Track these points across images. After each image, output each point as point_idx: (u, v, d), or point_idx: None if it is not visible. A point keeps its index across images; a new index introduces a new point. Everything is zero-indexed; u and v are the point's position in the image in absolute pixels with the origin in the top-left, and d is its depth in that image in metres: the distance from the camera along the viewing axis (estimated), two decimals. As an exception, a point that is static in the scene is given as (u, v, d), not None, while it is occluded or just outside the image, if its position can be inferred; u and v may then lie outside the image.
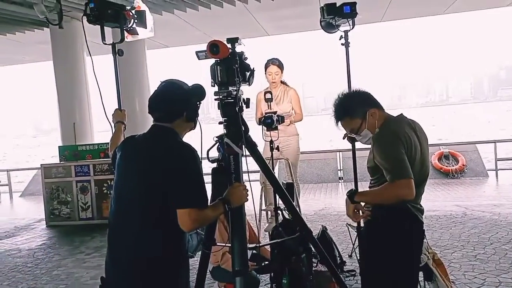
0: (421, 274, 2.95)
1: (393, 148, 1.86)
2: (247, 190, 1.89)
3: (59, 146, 6.63)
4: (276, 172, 6.79)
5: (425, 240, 3.13)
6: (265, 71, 4.55)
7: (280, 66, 4.52)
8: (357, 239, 3.35)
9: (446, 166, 8.07)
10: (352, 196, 1.95)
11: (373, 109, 2.01)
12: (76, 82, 7.57)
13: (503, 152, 11.72)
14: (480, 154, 8.42)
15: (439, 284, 3.01)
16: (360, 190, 2.06)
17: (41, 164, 6.61)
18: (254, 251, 3.12)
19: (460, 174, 7.96)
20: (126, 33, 2.54)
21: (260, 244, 2.50)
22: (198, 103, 1.84)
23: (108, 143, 2.35)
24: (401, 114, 2.08)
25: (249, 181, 2.01)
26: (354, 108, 2.02)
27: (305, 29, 10.18)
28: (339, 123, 2.06)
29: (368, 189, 2.13)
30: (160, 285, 1.69)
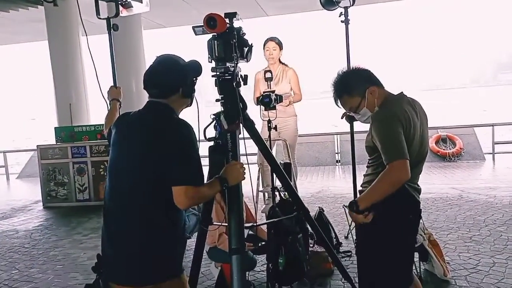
0: (416, 254, 2.98)
1: (390, 129, 1.84)
2: (244, 169, 1.86)
3: (55, 127, 6.58)
4: (274, 153, 6.79)
5: (421, 221, 3.14)
6: (263, 48, 4.48)
7: (279, 43, 4.45)
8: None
9: (444, 149, 8.08)
10: (355, 206, 1.89)
11: (373, 87, 1.98)
12: (72, 62, 7.45)
13: (500, 136, 11.75)
14: (478, 138, 8.43)
15: (434, 264, 3.04)
16: (358, 193, 2.02)
17: (37, 146, 6.58)
18: (250, 232, 3.13)
19: (457, 157, 7.98)
20: (121, 7, 2.47)
21: (257, 224, 2.49)
22: (194, 79, 1.80)
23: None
24: (401, 92, 2.04)
25: (248, 163, 1.98)
26: (353, 85, 1.99)
27: (305, 10, 10.02)
28: (339, 101, 2.03)
29: (364, 177, 2.10)
30: (156, 260, 1.68)
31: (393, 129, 1.83)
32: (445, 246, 3.60)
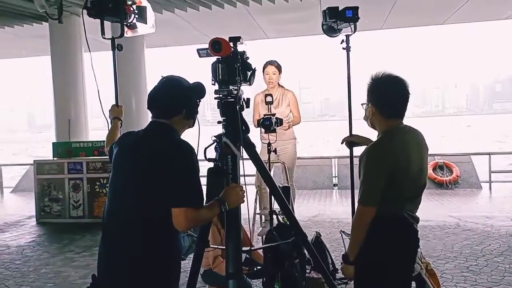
0: (413, 284, 2.94)
1: (373, 173, 1.91)
2: (244, 192, 1.85)
3: (53, 143, 6.56)
4: (272, 176, 6.77)
5: (419, 250, 3.12)
6: (263, 71, 4.53)
7: (278, 67, 4.51)
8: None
9: (441, 177, 8.08)
10: (347, 259, 1.98)
11: (376, 109, 1.99)
12: (73, 78, 7.51)
13: (497, 165, 11.83)
14: (475, 166, 8.46)
15: (432, 294, 2.99)
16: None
17: (34, 160, 6.54)
18: (247, 255, 3.09)
19: (454, 185, 7.97)
20: (126, 28, 2.50)
21: (254, 248, 2.46)
22: (198, 100, 1.81)
23: (103, 141, 2.31)
24: (402, 126, 2.03)
25: (245, 184, 1.98)
26: (371, 89, 2.02)
27: (305, 34, 10.21)
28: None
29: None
30: (150, 284, 1.65)
31: (376, 174, 1.89)
32: (442, 276, 3.56)
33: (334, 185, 8.56)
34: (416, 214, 2.08)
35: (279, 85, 4.59)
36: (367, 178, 1.92)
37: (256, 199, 4.21)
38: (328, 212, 6.24)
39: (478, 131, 52.37)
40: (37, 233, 5.61)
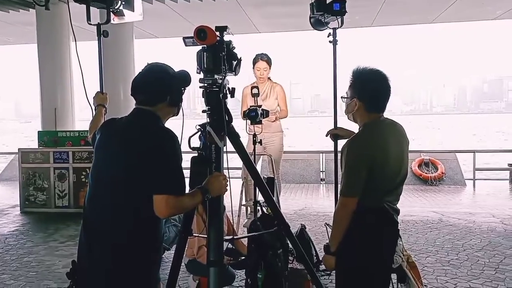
0: (394, 275, 3.00)
1: (355, 165, 1.94)
2: (227, 181, 1.86)
3: (38, 131, 6.48)
4: (259, 168, 6.80)
5: (400, 243, 3.16)
6: (253, 66, 4.52)
7: (269, 61, 4.51)
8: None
9: (426, 173, 8.20)
10: (328, 249, 2.03)
11: (360, 103, 2.01)
12: (60, 67, 7.40)
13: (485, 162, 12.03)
14: (459, 163, 8.59)
15: (411, 286, 3.04)
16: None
17: (18, 149, 6.44)
18: (230, 245, 3.11)
19: (439, 181, 8.09)
20: (112, 15, 2.48)
21: (236, 236, 2.47)
22: (182, 88, 1.81)
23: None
24: (382, 119, 2.06)
25: (228, 173, 1.99)
26: (357, 83, 2.04)
27: (296, 29, 10.20)
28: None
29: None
30: (131, 272, 1.65)
31: (357, 167, 1.93)
32: (423, 269, 3.62)
33: (321, 179, 8.63)
34: (397, 206, 2.12)
35: (268, 78, 4.60)
36: (349, 170, 1.96)
37: (242, 191, 4.22)
38: (314, 206, 6.29)
39: (465, 130, 53.14)
40: (21, 222, 5.55)
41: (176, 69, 1.85)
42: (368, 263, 2.00)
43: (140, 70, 1.79)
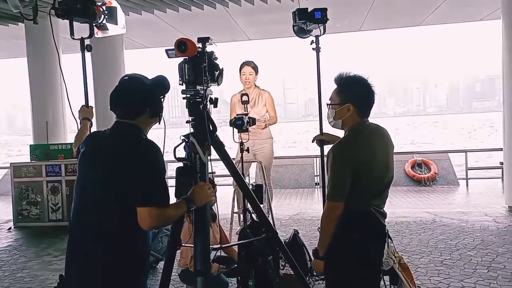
0: (387, 278, 3.01)
1: (339, 171, 1.97)
2: (212, 190, 1.88)
3: (30, 145, 6.47)
4: (252, 175, 6.80)
5: (391, 245, 3.18)
6: (240, 72, 4.56)
7: (255, 67, 4.54)
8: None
9: (419, 174, 8.25)
10: (317, 254, 2.05)
11: (353, 108, 2.03)
12: (50, 80, 7.38)
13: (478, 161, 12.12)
14: (452, 163, 8.66)
15: (403, 287, 3.06)
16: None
17: (10, 163, 6.42)
18: (222, 253, 3.11)
19: (432, 182, 8.15)
20: (96, 29, 2.50)
21: (224, 245, 2.48)
22: (162, 97, 1.82)
23: None
24: (368, 123, 2.09)
25: (214, 185, 1.99)
26: (346, 89, 2.06)
27: (283, 35, 10.25)
28: (334, 90, 2.10)
29: None
30: (119, 285, 1.66)
31: (342, 172, 1.96)
32: (417, 270, 3.65)
33: (316, 183, 8.65)
34: (384, 210, 2.14)
35: (255, 85, 4.63)
36: (334, 175, 1.98)
37: (233, 198, 4.23)
38: (309, 211, 6.30)
39: (457, 129, 53.45)
40: (14, 237, 5.51)
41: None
42: (356, 267, 2.02)
43: (117, 84, 1.80)
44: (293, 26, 2.74)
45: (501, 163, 8.51)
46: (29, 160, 6.24)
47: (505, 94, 5.91)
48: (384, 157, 2.06)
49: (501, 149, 6.59)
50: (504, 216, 5.38)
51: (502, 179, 8.39)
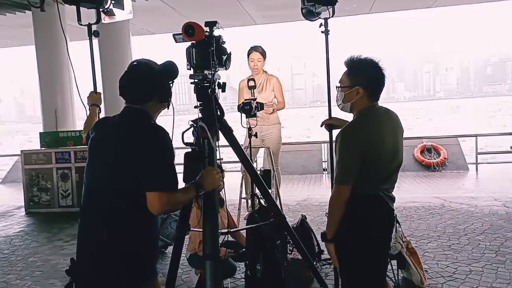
0: (395, 262, 3.02)
1: (347, 154, 1.96)
2: (221, 175, 1.88)
3: (40, 133, 6.53)
4: (259, 161, 6.81)
5: (399, 229, 3.19)
6: (248, 58, 4.52)
7: (263, 53, 4.50)
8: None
9: (428, 159, 8.19)
10: (325, 237, 2.05)
11: (363, 91, 2.01)
12: (58, 67, 7.42)
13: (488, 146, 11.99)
14: (462, 148, 8.57)
15: (411, 272, 3.07)
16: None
17: (21, 151, 6.51)
18: (229, 238, 3.13)
19: (442, 167, 8.08)
20: (103, 15, 2.49)
21: (232, 230, 2.50)
22: (170, 82, 1.81)
23: None
24: (377, 107, 2.07)
25: (221, 170, 1.99)
26: (358, 72, 2.03)
27: (290, 19, 10.14)
28: (344, 73, 2.08)
29: None
30: (128, 269, 1.68)
31: (350, 155, 1.95)
32: (424, 254, 3.65)
33: (324, 169, 8.63)
34: (393, 194, 2.13)
35: (263, 71, 4.60)
36: (342, 158, 1.97)
37: (241, 184, 4.25)
38: (317, 196, 6.31)
39: (468, 114, 52.76)
40: (26, 223, 5.62)
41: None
42: (365, 250, 2.02)
43: (126, 70, 1.80)
44: (302, 8, 2.69)
45: (512, 148, 8.44)
46: (39, 148, 6.30)
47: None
48: (393, 141, 2.04)
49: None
50: (514, 201, 5.34)
51: (513, 164, 8.35)
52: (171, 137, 1.72)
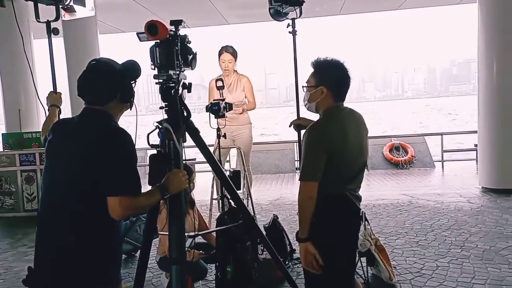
0: (364, 259, 3.07)
1: (312, 152, 1.97)
2: (187, 177, 1.84)
3: (2, 134, 6.26)
4: (232, 161, 6.77)
5: (368, 227, 3.24)
6: (219, 58, 4.48)
7: (234, 53, 4.47)
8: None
9: (396, 157, 8.40)
10: (298, 237, 2.04)
11: (327, 91, 2.03)
12: (21, 66, 7.10)
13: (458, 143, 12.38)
14: (428, 146, 8.84)
15: (380, 269, 3.13)
16: None
17: (-18, 153, 6.21)
18: (202, 239, 3.10)
19: (409, 164, 8.32)
20: (63, 12, 2.39)
21: (199, 232, 2.46)
22: (132, 82, 1.75)
23: None
24: (342, 107, 2.10)
25: (190, 170, 1.97)
26: (322, 71, 2.06)
27: (261, 19, 10.12)
28: (311, 73, 2.11)
29: None
30: (89, 275, 1.62)
31: (314, 152, 1.96)
32: (393, 251, 3.72)
33: (297, 168, 8.70)
34: (359, 193, 2.15)
35: (234, 70, 4.57)
36: (307, 155, 1.98)
37: (212, 185, 4.21)
38: (289, 195, 6.34)
39: (435, 113, 54.50)
40: (-12, 229, 5.37)
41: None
42: (332, 249, 2.03)
43: (84, 69, 1.72)
44: (269, 8, 2.69)
45: (476, 145, 8.75)
46: (1, 149, 6.04)
47: (480, 78, 6.01)
48: (357, 141, 2.06)
49: (475, 132, 6.74)
50: (478, 196, 5.54)
51: (476, 161, 8.66)
52: (134, 139, 1.66)
